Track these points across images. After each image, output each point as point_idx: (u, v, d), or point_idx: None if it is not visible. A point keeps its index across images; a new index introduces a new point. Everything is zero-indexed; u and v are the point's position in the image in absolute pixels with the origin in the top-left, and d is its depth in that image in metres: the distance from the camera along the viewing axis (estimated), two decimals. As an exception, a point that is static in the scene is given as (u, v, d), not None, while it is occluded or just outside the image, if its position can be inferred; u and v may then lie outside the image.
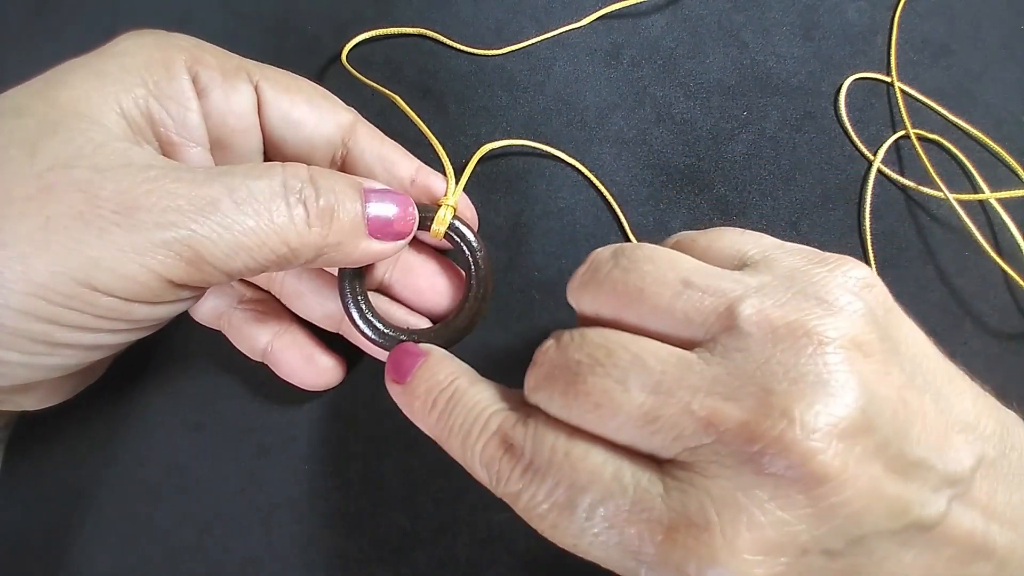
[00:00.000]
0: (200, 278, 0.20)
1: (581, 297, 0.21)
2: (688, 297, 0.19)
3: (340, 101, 0.26)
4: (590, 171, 0.31)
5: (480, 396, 0.21)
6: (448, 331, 0.26)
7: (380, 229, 0.23)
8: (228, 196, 0.20)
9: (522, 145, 0.31)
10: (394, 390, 0.23)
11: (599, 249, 0.21)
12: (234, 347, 0.27)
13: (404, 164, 0.26)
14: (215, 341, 0.28)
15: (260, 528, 0.27)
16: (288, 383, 0.27)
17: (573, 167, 0.31)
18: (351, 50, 0.32)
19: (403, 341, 0.26)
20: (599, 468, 0.18)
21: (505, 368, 0.29)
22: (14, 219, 0.18)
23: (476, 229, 0.27)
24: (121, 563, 0.27)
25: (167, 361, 0.29)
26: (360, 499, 0.28)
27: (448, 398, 0.22)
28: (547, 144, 0.31)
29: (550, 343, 0.21)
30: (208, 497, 0.28)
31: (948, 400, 0.18)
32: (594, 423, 0.18)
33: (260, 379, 0.28)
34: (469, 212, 0.28)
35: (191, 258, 0.19)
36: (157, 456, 0.28)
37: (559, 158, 0.31)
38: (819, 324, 0.17)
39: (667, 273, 0.19)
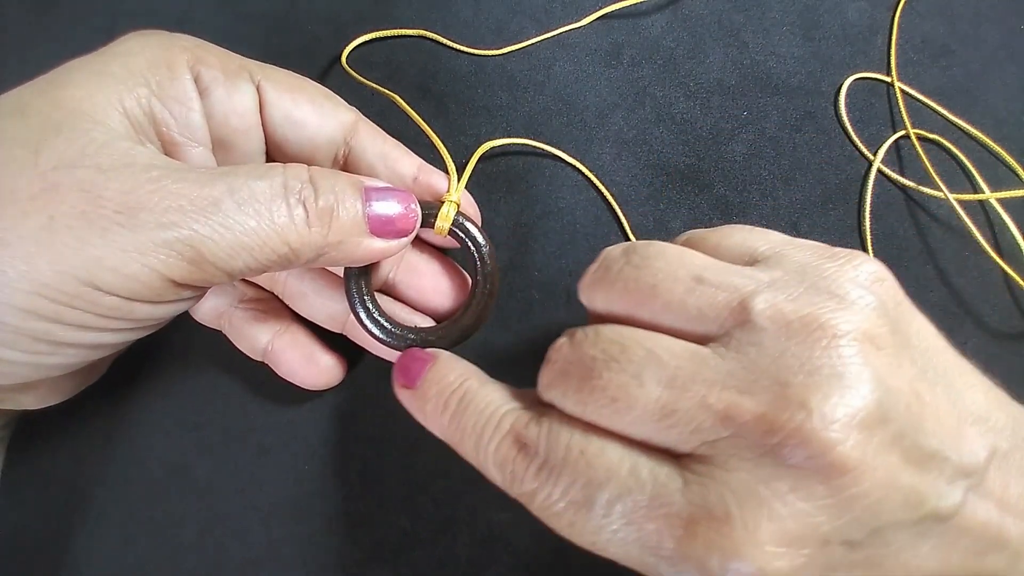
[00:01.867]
0: (202, 278, 0.20)
1: (593, 295, 0.21)
2: (700, 293, 0.19)
3: (342, 100, 0.26)
4: (590, 171, 0.31)
5: (492, 396, 0.21)
6: (455, 329, 0.26)
7: (382, 227, 0.23)
8: (230, 196, 0.20)
9: (523, 144, 0.31)
10: (404, 395, 0.23)
11: (609, 248, 0.21)
12: (234, 347, 0.27)
13: (406, 162, 0.26)
14: (215, 341, 0.28)
15: (260, 528, 0.27)
16: (288, 383, 0.27)
17: (573, 167, 0.31)
18: (351, 50, 0.32)
19: (412, 340, 0.25)
20: (616, 464, 0.18)
21: (506, 368, 0.29)
22: (18, 218, 0.18)
23: (480, 226, 0.27)
24: (121, 563, 0.27)
25: (167, 361, 0.29)
26: (360, 499, 0.28)
27: (459, 399, 0.21)
28: (547, 144, 0.31)
29: (563, 340, 0.20)
30: (208, 497, 0.28)
31: (960, 393, 0.19)
32: (609, 418, 0.18)
33: (260, 379, 0.28)
34: (472, 209, 0.28)
35: (193, 258, 0.19)
36: (157, 456, 0.28)
37: (559, 158, 0.31)
38: (832, 317, 0.17)
39: (679, 270, 0.19)
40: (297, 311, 0.28)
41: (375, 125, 0.26)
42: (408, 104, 0.28)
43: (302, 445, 0.28)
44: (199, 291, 0.21)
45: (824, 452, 0.16)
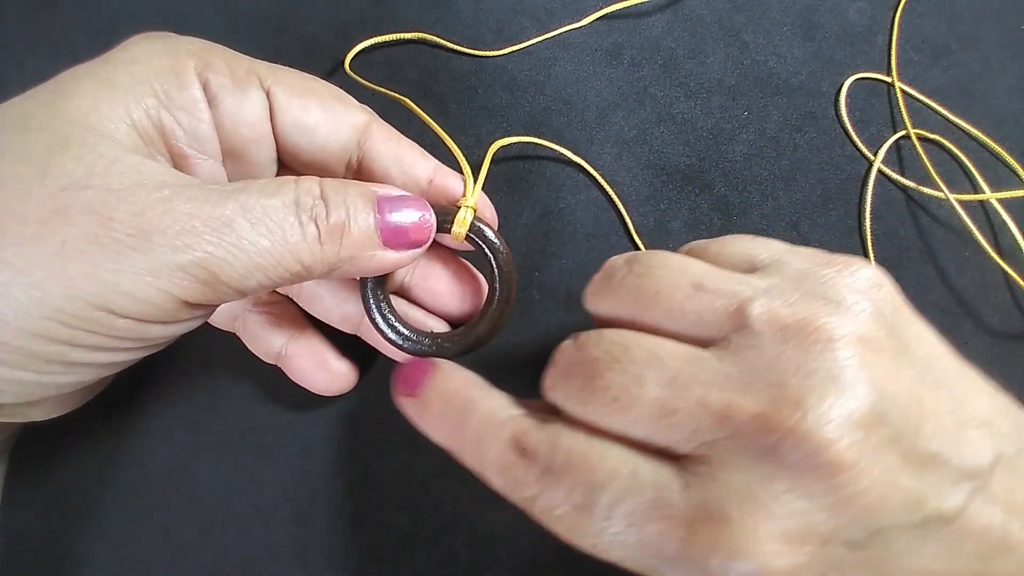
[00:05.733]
0: (215, 297, 0.20)
1: (598, 302, 0.22)
2: (700, 299, 0.19)
3: (354, 101, 0.25)
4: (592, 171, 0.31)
5: (493, 404, 0.21)
6: (471, 335, 0.26)
7: (395, 238, 0.22)
8: (243, 216, 0.19)
9: (532, 142, 0.31)
10: (405, 403, 0.23)
11: (613, 257, 0.22)
12: (235, 349, 0.27)
13: (421, 165, 0.25)
14: (216, 342, 0.28)
15: (260, 528, 0.27)
16: (290, 384, 0.27)
17: (578, 166, 0.31)
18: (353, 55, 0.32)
19: (427, 345, 0.25)
20: (617, 466, 0.18)
21: (505, 368, 0.29)
22: (29, 242, 0.18)
23: (497, 229, 0.26)
24: (122, 563, 0.27)
25: (168, 363, 0.29)
26: (360, 499, 0.28)
27: (461, 407, 0.21)
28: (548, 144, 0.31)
29: (568, 342, 0.21)
30: (208, 497, 0.28)
31: (962, 397, 0.19)
32: (611, 418, 0.19)
33: (261, 380, 0.28)
34: (488, 212, 0.27)
35: (207, 279, 0.19)
36: (158, 457, 0.28)
37: (567, 157, 0.31)
38: (828, 322, 0.18)
39: (680, 277, 0.20)
40: (312, 313, 0.27)
41: (389, 126, 0.26)
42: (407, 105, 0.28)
43: (302, 445, 0.28)
44: (211, 309, 0.21)
45: (820, 451, 0.16)
